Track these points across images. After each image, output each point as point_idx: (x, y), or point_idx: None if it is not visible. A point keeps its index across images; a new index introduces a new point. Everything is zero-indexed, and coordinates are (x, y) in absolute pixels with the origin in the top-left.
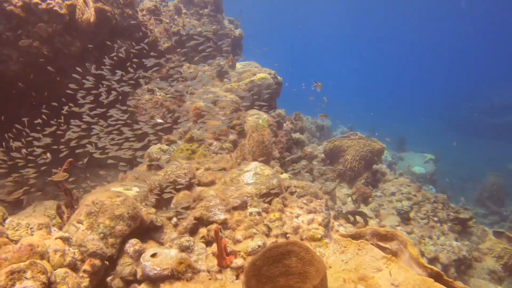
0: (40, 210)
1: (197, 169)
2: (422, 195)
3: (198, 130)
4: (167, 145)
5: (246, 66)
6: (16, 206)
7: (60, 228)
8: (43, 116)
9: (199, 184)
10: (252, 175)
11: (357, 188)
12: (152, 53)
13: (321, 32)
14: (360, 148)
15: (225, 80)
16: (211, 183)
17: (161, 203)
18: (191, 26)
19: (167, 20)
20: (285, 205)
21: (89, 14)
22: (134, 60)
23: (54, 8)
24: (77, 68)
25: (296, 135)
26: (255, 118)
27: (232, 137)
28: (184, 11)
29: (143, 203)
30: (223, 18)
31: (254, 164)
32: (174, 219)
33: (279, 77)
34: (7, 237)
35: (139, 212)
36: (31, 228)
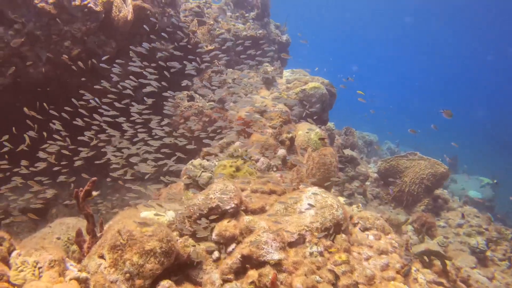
0: (60, 231)
1: (243, 190)
2: (495, 230)
3: (243, 143)
4: (206, 159)
5: (294, 73)
6: (40, 218)
7: (79, 261)
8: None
9: (246, 211)
10: (312, 203)
11: (418, 216)
12: (192, 56)
13: (368, 41)
14: (421, 170)
15: (272, 88)
16: (261, 210)
17: (200, 230)
18: (236, 30)
19: (211, 22)
20: (351, 243)
21: (127, 11)
22: (174, 63)
23: (89, 5)
24: (114, 69)
25: (348, 152)
26: (306, 132)
27: (281, 153)
28: (228, 13)
29: (178, 231)
30: (269, 23)
31: (313, 189)
32: (216, 253)
33: (333, 87)
34: (8, 281)
35: (174, 246)
36: (39, 268)
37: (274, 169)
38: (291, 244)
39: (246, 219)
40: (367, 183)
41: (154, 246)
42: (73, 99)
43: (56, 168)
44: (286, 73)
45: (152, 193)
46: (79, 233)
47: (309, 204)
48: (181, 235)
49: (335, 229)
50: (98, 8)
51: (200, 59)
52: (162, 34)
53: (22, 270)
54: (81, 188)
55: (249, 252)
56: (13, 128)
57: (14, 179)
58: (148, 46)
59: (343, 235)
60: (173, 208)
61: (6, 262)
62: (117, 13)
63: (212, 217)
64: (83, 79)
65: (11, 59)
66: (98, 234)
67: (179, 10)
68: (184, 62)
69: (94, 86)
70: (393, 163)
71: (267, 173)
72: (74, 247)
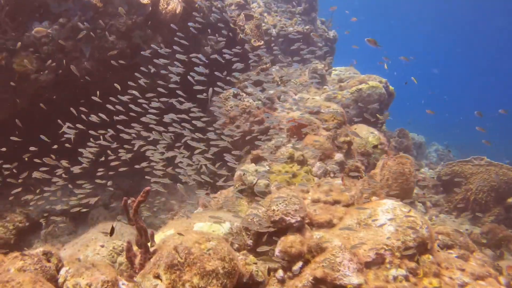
0: (103, 237)
1: (303, 198)
2: None
3: (298, 146)
4: (255, 162)
5: (345, 71)
6: (80, 221)
7: (130, 278)
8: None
9: (310, 224)
10: (391, 218)
11: (491, 228)
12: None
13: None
14: (490, 177)
15: (324, 87)
16: (328, 224)
17: (260, 245)
18: (282, 25)
19: (259, 17)
20: (439, 264)
21: (175, 4)
22: (220, 59)
23: None
24: (164, 63)
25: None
26: (365, 134)
27: (338, 157)
28: (274, 8)
29: (236, 244)
30: (316, 18)
31: (391, 203)
32: (280, 273)
33: (390, 87)
34: None
35: (237, 265)
36: None
37: (332, 175)
38: (368, 265)
39: (316, 235)
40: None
41: (216, 266)
42: (118, 97)
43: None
44: (334, 71)
45: (200, 199)
46: (129, 248)
47: (387, 219)
48: (238, 250)
49: (419, 249)
50: (145, 1)
51: (248, 56)
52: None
53: None
54: (132, 199)
55: (322, 275)
56: (59, 123)
57: (55, 180)
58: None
59: (430, 256)
60: (226, 218)
61: (55, 281)
62: (165, 6)
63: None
64: (126, 76)
65: (55, 54)
66: (151, 249)
67: (225, 4)
68: (231, 57)
69: (138, 83)
70: (456, 168)
71: (325, 180)
72: (121, 258)
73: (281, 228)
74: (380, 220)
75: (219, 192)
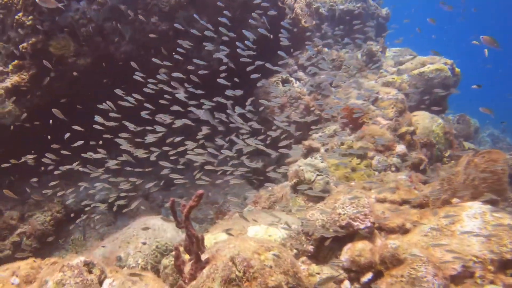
0: (145, 234)
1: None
2: None
3: (352, 137)
4: (307, 152)
5: (399, 53)
6: (119, 212)
7: None
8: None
9: (380, 229)
10: (479, 225)
11: None
12: (289, 34)
13: None
14: None
15: (381, 71)
16: (400, 229)
17: (322, 252)
18: (332, 3)
19: None
20: None
21: None
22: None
23: None
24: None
25: (469, 145)
26: (428, 123)
27: (400, 149)
28: None
29: (294, 250)
30: None
31: (478, 206)
32: (347, 284)
33: (457, 69)
34: None
35: (301, 280)
36: None
37: (393, 169)
38: (453, 279)
39: (391, 244)
40: None
41: (279, 282)
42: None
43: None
44: (389, 53)
45: (250, 195)
46: (178, 255)
47: (475, 226)
48: (297, 256)
49: None
50: None
51: (298, 37)
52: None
53: None
54: (183, 203)
55: None
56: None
57: (92, 169)
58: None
59: None
60: (282, 219)
61: None
62: None
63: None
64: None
65: (93, 37)
66: (203, 257)
67: None
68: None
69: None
70: None
71: (387, 175)
72: (166, 261)
73: (347, 234)
74: (466, 226)
75: (270, 188)
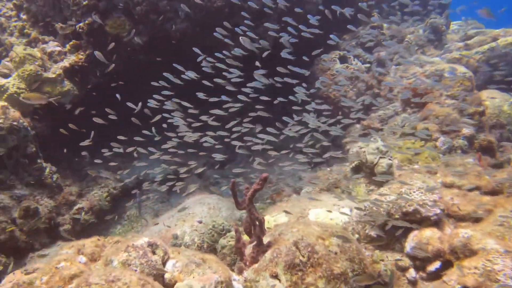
0: (200, 212)
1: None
2: None
3: (413, 117)
4: (365, 132)
5: (465, 27)
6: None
7: (240, 272)
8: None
9: (448, 216)
10: None
11: None
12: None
13: None
14: None
15: (446, 46)
16: (471, 217)
17: (385, 237)
18: None
19: None
20: None
21: None
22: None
23: None
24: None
25: None
26: (498, 102)
27: (466, 130)
28: None
29: (356, 235)
30: None
31: None
32: (412, 272)
33: None
34: None
35: (366, 267)
36: None
37: (459, 151)
38: None
39: (463, 233)
40: None
41: (345, 269)
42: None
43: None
44: (455, 26)
45: (307, 176)
46: (239, 238)
47: None
48: (358, 241)
49: None
50: None
51: (354, 11)
52: None
53: None
54: (246, 186)
55: (475, 284)
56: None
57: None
58: None
59: None
60: (343, 202)
61: (161, 276)
62: None
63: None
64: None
65: (148, 15)
66: (265, 241)
67: None
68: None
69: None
70: None
71: (453, 158)
72: (224, 241)
73: (413, 221)
74: None
75: (328, 169)
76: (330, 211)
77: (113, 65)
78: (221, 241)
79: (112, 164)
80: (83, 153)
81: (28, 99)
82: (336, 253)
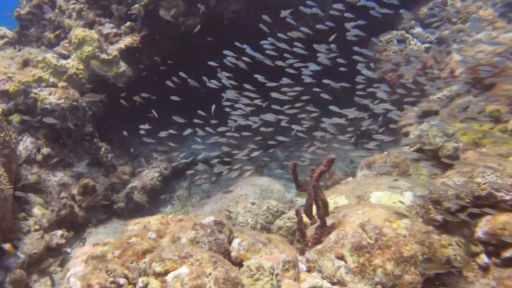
0: (253, 194)
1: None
2: None
3: (484, 98)
4: (423, 115)
5: None
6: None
7: (302, 253)
8: None
9: None
10: None
11: None
12: None
13: None
14: None
15: None
16: None
17: (452, 222)
18: None
19: None
20: None
21: None
22: None
23: None
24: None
25: None
26: None
27: None
28: None
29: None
30: None
31: None
32: (484, 258)
33: None
34: None
35: (437, 250)
36: (276, 275)
37: None
38: None
39: None
40: None
41: (415, 252)
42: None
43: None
44: None
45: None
46: (301, 219)
47: None
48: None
49: None
50: None
51: None
52: None
53: (258, 279)
54: (312, 167)
55: None
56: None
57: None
58: None
59: None
60: (404, 186)
61: (228, 255)
62: None
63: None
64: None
65: None
66: (328, 223)
67: None
68: None
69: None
70: None
71: None
72: (280, 222)
73: (485, 206)
74: None
75: (385, 153)
76: (393, 194)
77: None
78: (277, 222)
79: (162, 146)
80: (124, 132)
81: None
82: (405, 236)
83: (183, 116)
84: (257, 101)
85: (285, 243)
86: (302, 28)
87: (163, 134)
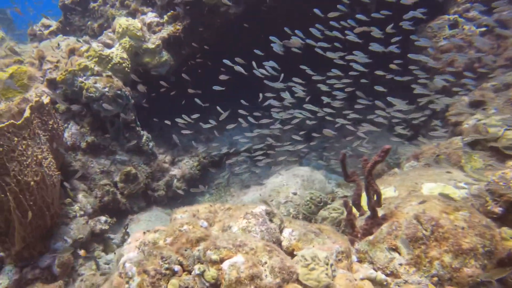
0: (294, 184)
1: None
2: None
3: None
4: (475, 103)
5: None
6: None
7: (352, 243)
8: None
9: None
10: None
11: None
12: None
13: None
14: None
15: None
16: None
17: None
18: None
19: None
20: None
21: None
22: None
23: None
24: None
25: None
26: None
27: None
28: None
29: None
30: None
31: None
32: None
33: None
34: (297, 280)
35: (498, 244)
36: (331, 265)
37: None
38: None
39: None
40: None
41: (475, 244)
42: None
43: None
44: None
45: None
46: (350, 210)
47: None
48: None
49: None
50: None
51: None
52: None
53: (313, 268)
54: (364, 157)
55: None
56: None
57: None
58: None
59: None
60: (458, 177)
61: (279, 244)
62: None
63: None
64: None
65: None
66: (380, 213)
67: None
68: None
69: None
70: None
71: None
72: (325, 213)
73: None
74: None
75: (434, 143)
76: (446, 186)
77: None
78: (321, 212)
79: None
80: (154, 119)
81: None
82: (463, 228)
83: (225, 106)
84: (301, 93)
85: (336, 233)
86: (358, 15)
87: (205, 126)
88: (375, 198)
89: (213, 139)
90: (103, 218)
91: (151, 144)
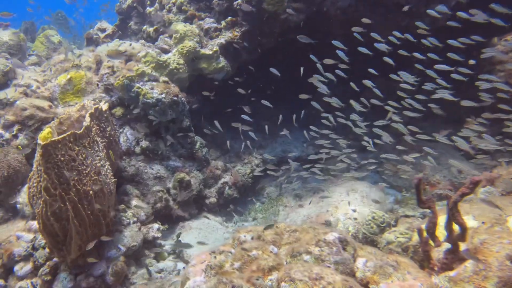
0: (354, 200)
1: None
2: None
3: None
4: None
5: None
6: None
7: (429, 274)
8: None
9: None
10: None
11: None
12: None
13: None
14: None
15: None
16: None
17: None
18: None
19: None
20: None
21: None
22: None
23: None
24: None
25: None
26: None
27: None
28: None
29: None
30: None
31: None
32: None
33: None
34: None
35: None
36: None
37: None
38: None
39: None
40: None
41: None
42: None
43: None
44: None
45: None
46: (426, 240)
47: None
48: None
49: None
50: None
51: None
52: None
53: None
54: (449, 187)
55: None
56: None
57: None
58: None
59: None
60: None
61: (352, 275)
62: None
63: None
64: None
65: None
66: (463, 246)
67: None
68: None
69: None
70: None
71: None
72: (390, 236)
73: None
74: None
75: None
76: None
77: None
78: (387, 235)
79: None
80: (218, 125)
81: None
82: None
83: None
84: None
85: (416, 267)
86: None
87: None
88: (458, 231)
89: (265, 146)
90: (156, 226)
91: (204, 150)
